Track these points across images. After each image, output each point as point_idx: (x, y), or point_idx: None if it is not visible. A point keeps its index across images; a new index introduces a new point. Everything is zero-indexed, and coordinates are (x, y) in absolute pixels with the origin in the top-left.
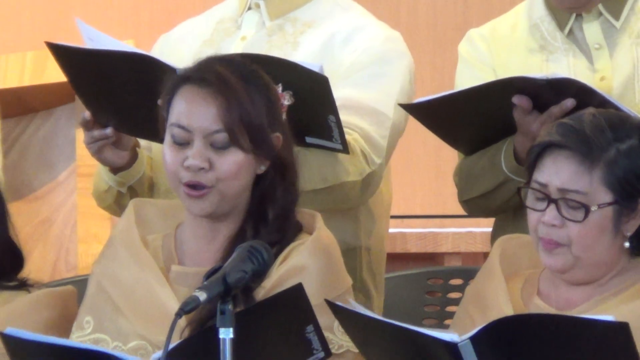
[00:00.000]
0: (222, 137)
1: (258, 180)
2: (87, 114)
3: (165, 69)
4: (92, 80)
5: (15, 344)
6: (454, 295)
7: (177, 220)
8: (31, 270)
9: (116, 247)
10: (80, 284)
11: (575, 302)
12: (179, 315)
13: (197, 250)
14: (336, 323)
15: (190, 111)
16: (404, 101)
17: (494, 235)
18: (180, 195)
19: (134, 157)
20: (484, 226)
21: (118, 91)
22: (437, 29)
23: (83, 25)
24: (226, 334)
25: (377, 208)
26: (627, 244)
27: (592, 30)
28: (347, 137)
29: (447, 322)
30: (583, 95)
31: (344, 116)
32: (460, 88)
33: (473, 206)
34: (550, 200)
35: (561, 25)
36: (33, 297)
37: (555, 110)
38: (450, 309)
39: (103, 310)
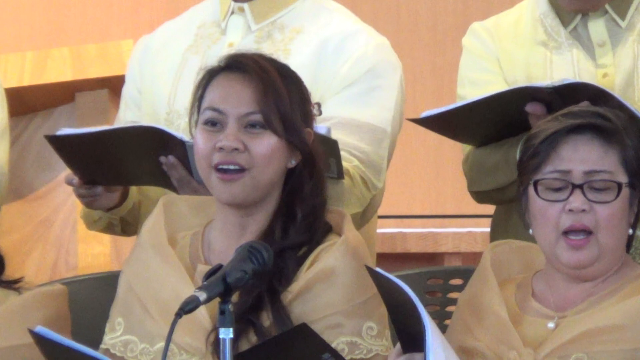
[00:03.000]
0: (257, 117)
1: (288, 177)
2: (75, 180)
3: (173, 141)
4: (91, 158)
5: (44, 343)
6: (454, 295)
7: (209, 216)
8: (31, 270)
9: (144, 247)
10: (80, 284)
11: (572, 301)
12: (178, 315)
13: (225, 247)
14: (365, 327)
15: (225, 94)
16: (399, 112)
17: (493, 237)
18: (212, 183)
19: (124, 193)
20: (484, 226)
21: (117, 161)
22: (437, 29)
23: (66, 131)
24: (226, 334)
25: (367, 212)
26: (630, 231)
27: (596, 27)
28: (346, 164)
29: (447, 322)
30: (596, 96)
31: (342, 136)
32: (469, 100)
33: (484, 197)
34: (574, 186)
35: (565, 23)
36: (26, 298)
37: None
38: (450, 309)
39: (132, 311)
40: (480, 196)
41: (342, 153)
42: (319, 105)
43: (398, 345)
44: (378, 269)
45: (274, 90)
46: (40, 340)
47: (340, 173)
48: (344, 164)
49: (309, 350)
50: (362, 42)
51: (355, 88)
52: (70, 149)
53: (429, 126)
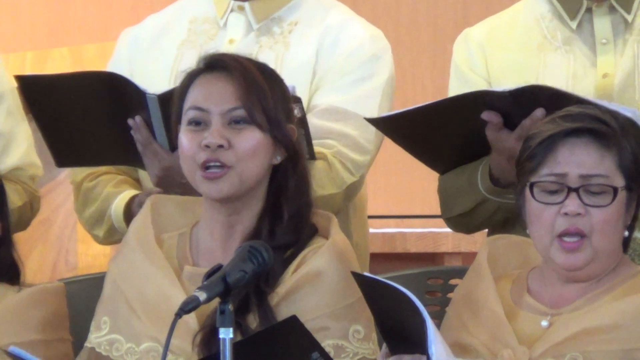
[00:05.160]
0: (240, 112)
1: (273, 175)
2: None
3: (135, 90)
4: (58, 113)
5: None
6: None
7: (196, 216)
8: (31, 270)
9: (130, 246)
10: (80, 284)
11: (568, 299)
12: (178, 315)
13: (212, 249)
14: (351, 330)
15: (207, 93)
16: (388, 100)
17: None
18: (198, 182)
19: None
20: None
21: (85, 120)
22: (437, 28)
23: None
24: (226, 334)
25: (360, 204)
26: (626, 233)
27: (602, 25)
28: (325, 150)
29: None
30: (553, 99)
31: (327, 122)
32: (425, 103)
33: (456, 224)
34: (570, 189)
35: (570, 16)
36: (24, 296)
37: (526, 122)
38: (449, 306)
39: (118, 310)
40: (452, 223)
41: (326, 140)
42: (299, 107)
43: (384, 347)
44: (365, 273)
45: (255, 86)
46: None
47: (311, 153)
48: (323, 149)
49: (298, 346)
50: (359, 34)
51: (347, 78)
52: (40, 98)
53: (389, 132)
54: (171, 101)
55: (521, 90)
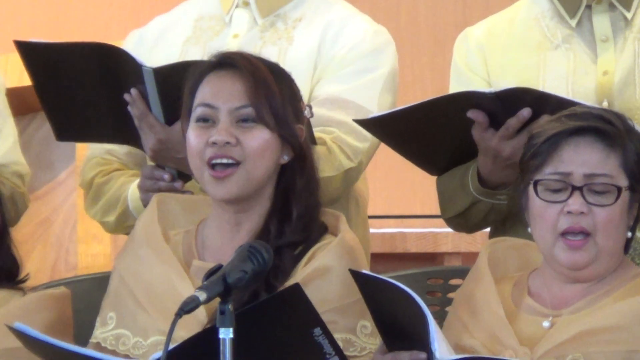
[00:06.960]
0: (248, 111)
1: (281, 174)
2: (167, 176)
3: (132, 62)
4: (57, 83)
5: (25, 339)
6: (454, 295)
7: (200, 216)
8: (31, 270)
9: (138, 242)
10: (80, 284)
11: (569, 300)
12: (178, 315)
13: (220, 245)
14: (359, 325)
15: (216, 90)
16: (391, 96)
17: (492, 237)
18: (205, 181)
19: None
20: None
21: (84, 93)
22: (437, 29)
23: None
24: (226, 334)
25: (362, 203)
26: (629, 234)
27: (601, 22)
28: (325, 136)
29: None
30: (539, 102)
31: (327, 111)
32: (412, 103)
33: (454, 224)
34: (574, 188)
35: (570, 14)
36: (29, 300)
37: (512, 122)
38: (450, 309)
39: (125, 306)
40: (450, 223)
41: (326, 127)
42: (310, 107)
43: (382, 343)
44: (364, 271)
45: (264, 85)
46: (22, 337)
47: (312, 139)
48: (322, 135)
49: (300, 318)
50: (361, 28)
51: (348, 69)
52: (40, 66)
53: (380, 134)
54: (167, 76)
55: (508, 91)
